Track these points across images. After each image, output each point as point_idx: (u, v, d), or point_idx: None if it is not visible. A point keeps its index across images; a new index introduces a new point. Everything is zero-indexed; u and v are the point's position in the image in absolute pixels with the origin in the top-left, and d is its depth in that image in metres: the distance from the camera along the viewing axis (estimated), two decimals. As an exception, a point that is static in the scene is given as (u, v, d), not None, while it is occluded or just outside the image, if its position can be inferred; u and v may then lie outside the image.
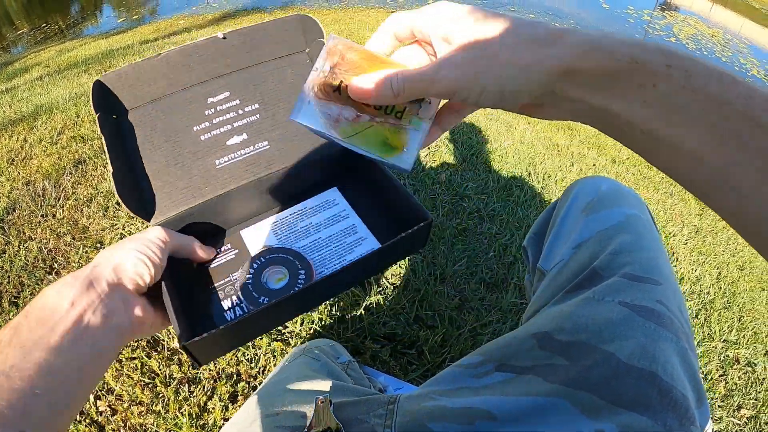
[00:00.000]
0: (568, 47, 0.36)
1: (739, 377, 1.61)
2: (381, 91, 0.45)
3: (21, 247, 1.62)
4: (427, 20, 0.44)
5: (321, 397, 0.66)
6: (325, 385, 0.77)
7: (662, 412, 0.52)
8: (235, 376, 1.26)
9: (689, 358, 0.57)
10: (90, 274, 0.53)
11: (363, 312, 1.42)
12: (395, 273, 1.58)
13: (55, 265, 1.55)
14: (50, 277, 1.51)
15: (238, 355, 1.29)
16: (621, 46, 0.34)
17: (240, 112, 0.80)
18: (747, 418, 1.50)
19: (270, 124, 0.80)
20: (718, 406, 1.50)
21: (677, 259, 2.11)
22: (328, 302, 1.44)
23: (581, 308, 0.61)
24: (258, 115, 0.81)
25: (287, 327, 1.37)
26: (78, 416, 1.18)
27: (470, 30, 0.40)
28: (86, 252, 1.57)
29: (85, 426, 1.16)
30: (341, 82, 0.48)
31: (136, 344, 1.31)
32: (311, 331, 1.36)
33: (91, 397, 1.21)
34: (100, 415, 1.19)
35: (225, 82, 0.81)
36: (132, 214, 0.66)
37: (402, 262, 1.61)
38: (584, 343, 0.57)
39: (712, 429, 1.47)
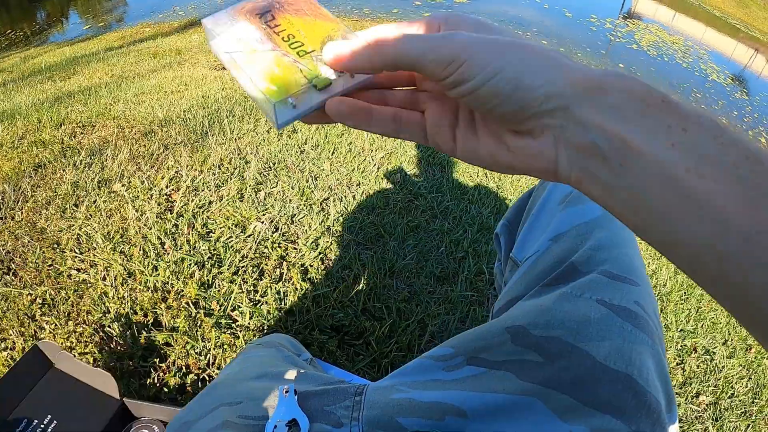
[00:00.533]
0: (600, 70, 0.32)
1: (697, 365, 1.67)
2: (359, 48, 0.37)
3: (-22, 249, 1.64)
4: (440, 14, 0.39)
5: (286, 386, 0.64)
6: (290, 374, 0.73)
7: (636, 417, 0.51)
8: (184, 368, 1.30)
9: (662, 362, 0.57)
10: None
11: (311, 304, 1.48)
12: (345, 267, 1.64)
13: (12, 265, 1.58)
14: (7, 277, 1.53)
15: (188, 348, 1.33)
16: (651, 85, 0.31)
17: None
18: (706, 404, 1.55)
19: None
20: (677, 393, 1.55)
21: (632, 253, 2.18)
22: (276, 296, 1.49)
23: (558, 303, 0.60)
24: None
25: (237, 321, 1.41)
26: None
27: (495, 27, 0.37)
28: (43, 252, 1.60)
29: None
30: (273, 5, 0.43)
31: (89, 339, 1.35)
32: (260, 324, 1.41)
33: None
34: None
35: None
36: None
37: (351, 256, 1.67)
38: (560, 339, 0.56)
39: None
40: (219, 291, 1.48)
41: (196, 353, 1.33)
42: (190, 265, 1.54)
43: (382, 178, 2.22)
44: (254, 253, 1.62)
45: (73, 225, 1.70)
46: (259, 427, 0.62)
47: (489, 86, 0.33)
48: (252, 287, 1.51)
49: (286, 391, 0.63)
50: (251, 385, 0.71)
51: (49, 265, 1.57)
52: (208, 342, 1.35)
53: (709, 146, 0.27)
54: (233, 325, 1.41)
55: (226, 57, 0.42)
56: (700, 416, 1.51)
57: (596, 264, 0.63)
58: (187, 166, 2.03)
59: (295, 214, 1.84)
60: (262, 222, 1.73)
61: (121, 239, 1.63)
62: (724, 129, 0.27)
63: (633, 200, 0.30)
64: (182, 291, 1.47)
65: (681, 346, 1.74)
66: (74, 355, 1.30)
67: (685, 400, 1.54)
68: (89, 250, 1.60)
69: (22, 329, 1.37)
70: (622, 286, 0.60)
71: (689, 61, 8.72)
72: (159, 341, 1.33)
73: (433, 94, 0.41)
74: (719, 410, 1.54)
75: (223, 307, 1.43)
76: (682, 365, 1.67)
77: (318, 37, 0.42)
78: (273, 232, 1.71)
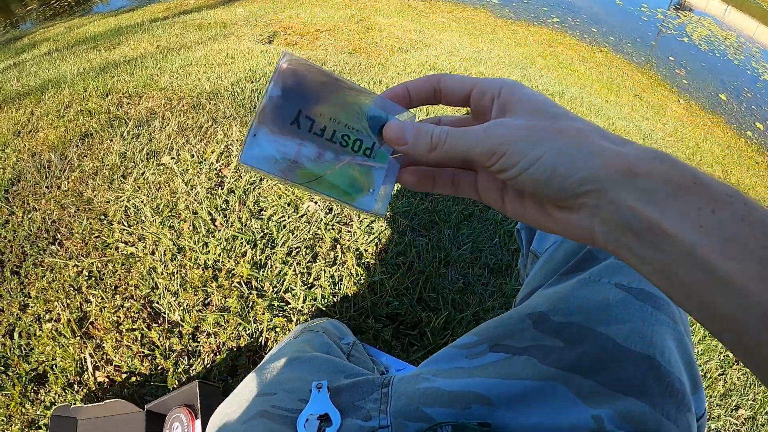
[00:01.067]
0: (634, 149, 0.34)
1: (738, 377, 1.60)
2: (417, 139, 0.40)
3: (25, 217, 1.61)
4: (496, 83, 0.41)
5: (319, 383, 0.66)
6: (323, 365, 0.76)
7: (660, 398, 0.51)
8: (235, 350, 1.25)
9: (685, 343, 0.56)
10: None
11: (366, 291, 1.41)
12: (400, 254, 1.57)
13: (58, 235, 1.54)
14: (53, 247, 1.50)
15: (239, 330, 1.28)
16: (684, 163, 0.32)
17: None
18: (744, 418, 1.49)
19: None
20: (717, 405, 1.50)
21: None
22: (330, 279, 1.43)
23: (577, 289, 0.61)
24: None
25: (289, 303, 1.36)
26: (76, 386, 1.18)
27: (539, 104, 0.38)
28: (90, 223, 1.56)
29: (83, 396, 1.16)
30: (299, 111, 0.41)
31: (136, 315, 1.30)
32: (314, 309, 1.35)
33: (90, 367, 1.21)
34: (99, 386, 1.18)
35: None
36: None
37: (407, 242, 1.60)
38: (580, 324, 0.57)
39: (709, 426, 1.46)
40: (272, 272, 1.42)
41: (248, 335, 1.27)
42: (242, 243, 1.48)
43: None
44: (308, 234, 1.56)
45: (121, 197, 1.66)
46: (292, 418, 0.64)
47: (527, 175, 0.35)
48: (305, 269, 1.45)
49: (319, 387, 0.66)
50: (286, 375, 0.73)
51: (96, 237, 1.52)
52: (260, 324, 1.29)
53: (735, 228, 0.29)
54: (286, 308, 1.35)
55: (304, 188, 0.42)
56: (738, 430, 1.46)
57: None
58: (237, 140, 1.97)
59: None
60: (315, 202, 1.67)
61: (170, 213, 1.58)
62: (753, 207, 0.29)
63: (664, 272, 0.32)
64: (234, 270, 1.41)
65: (723, 356, 1.66)
66: (122, 331, 1.26)
67: (725, 412, 1.49)
68: (137, 223, 1.56)
69: (68, 301, 1.33)
70: None
71: (740, 58, 8.44)
72: (210, 321, 1.28)
73: None
74: (757, 425, 1.49)
75: (275, 289, 1.38)
76: (723, 377, 1.60)
77: (353, 114, 0.43)
78: (326, 214, 1.64)
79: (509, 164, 0.36)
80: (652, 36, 8.32)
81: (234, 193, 1.68)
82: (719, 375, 1.59)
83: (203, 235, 1.50)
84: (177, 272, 1.39)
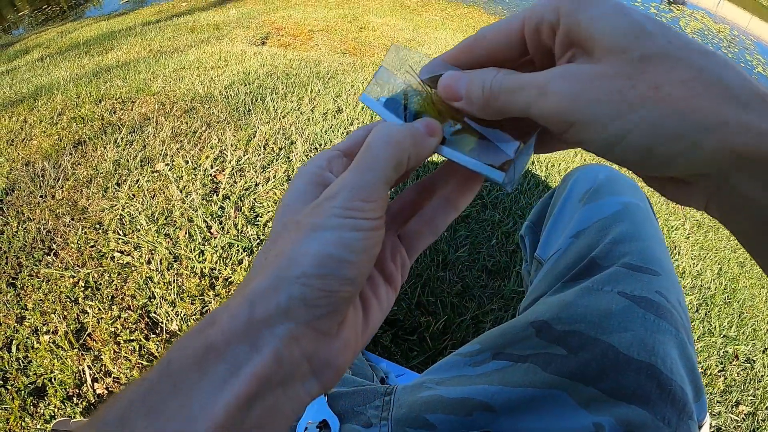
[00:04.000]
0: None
1: (737, 373, 1.61)
2: (469, 90, 0.32)
3: (20, 227, 1.60)
4: (550, 6, 0.29)
5: None
6: None
7: (661, 406, 0.51)
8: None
9: (688, 351, 0.56)
10: None
11: (364, 297, 1.41)
12: (397, 259, 1.56)
13: (54, 246, 1.53)
14: (48, 258, 1.49)
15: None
16: None
17: None
18: (745, 414, 1.49)
19: None
20: (717, 402, 1.50)
21: (679, 253, 2.09)
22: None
23: (580, 298, 0.60)
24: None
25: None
26: (75, 399, 1.17)
27: (622, 34, 0.26)
28: (85, 233, 1.55)
29: (82, 408, 1.15)
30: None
31: (134, 326, 1.29)
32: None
33: (89, 379, 1.20)
34: (99, 398, 1.17)
35: None
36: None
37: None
38: (583, 333, 0.56)
39: (710, 424, 1.47)
40: (268, 279, 1.41)
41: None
42: (238, 250, 1.48)
43: (429, 163, 2.13)
44: (304, 240, 1.55)
45: (116, 205, 1.65)
46: (292, 427, 0.62)
47: (613, 155, 0.27)
48: (303, 276, 1.44)
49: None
50: None
51: (92, 247, 1.52)
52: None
53: None
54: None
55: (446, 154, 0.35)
56: (738, 426, 1.46)
57: (616, 257, 0.63)
58: (231, 145, 1.96)
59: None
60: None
61: (165, 221, 1.57)
62: None
63: None
64: (231, 278, 1.40)
65: (723, 352, 1.67)
66: (120, 342, 1.25)
67: (725, 408, 1.49)
68: (133, 231, 1.55)
69: (65, 313, 1.33)
70: (643, 277, 0.60)
71: (735, 51, 8.46)
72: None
73: None
74: (757, 421, 1.49)
75: (273, 297, 1.37)
76: (723, 373, 1.60)
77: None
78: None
79: (585, 138, 0.27)
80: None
81: (229, 199, 1.67)
82: (719, 372, 1.59)
83: (199, 243, 1.49)
84: (174, 281, 1.38)
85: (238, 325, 0.26)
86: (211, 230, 1.55)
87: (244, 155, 1.91)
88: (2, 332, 1.30)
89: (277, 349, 0.26)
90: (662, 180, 0.31)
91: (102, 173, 1.81)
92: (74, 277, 1.41)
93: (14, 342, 1.27)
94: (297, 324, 0.27)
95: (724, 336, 1.73)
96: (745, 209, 0.26)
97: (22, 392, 1.18)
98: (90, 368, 1.22)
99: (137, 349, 1.24)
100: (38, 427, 1.13)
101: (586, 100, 0.26)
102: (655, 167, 0.27)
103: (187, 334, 0.27)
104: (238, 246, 1.48)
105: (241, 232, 1.55)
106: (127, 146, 1.96)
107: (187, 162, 1.85)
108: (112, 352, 1.24)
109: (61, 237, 1.56)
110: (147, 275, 1.41)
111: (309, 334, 0.27)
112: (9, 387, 1.19)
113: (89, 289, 1.39)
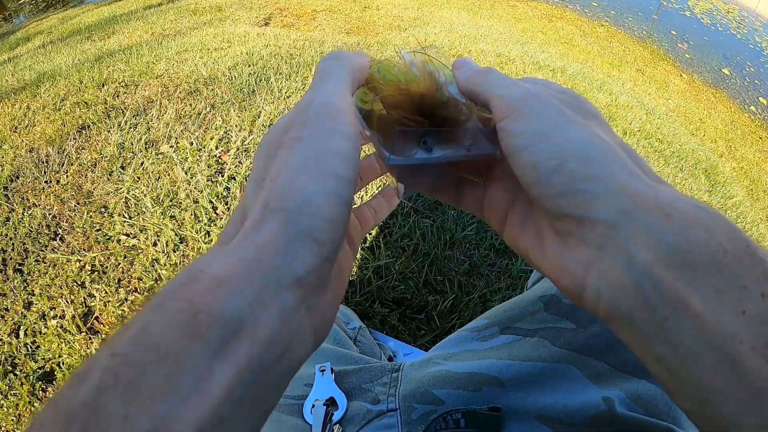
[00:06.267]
0: (672, 191, 0.25)
1: None
2: (465, 64, 0.35)
3: (25, 213, 1.60)
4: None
5: (322, 366, 0.65)
6: (328, 353, 0.75)
7: None
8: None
9: None
10: None
11: (372, 276, 1.40)
12: (405, 236, 1.55)
13: (59, 231, 1.53)
14: (54, 243, 1.48)
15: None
16: (734, 225, 0.24)
17: None
18: None
19: None
20: None
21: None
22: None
23: None
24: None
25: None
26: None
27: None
28: (90, 217, 1.55)
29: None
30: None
31: (141, 308, 1.29)
32: (319, 296, 1.34)
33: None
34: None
35: None
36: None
37: (411, 224, 1.58)
38: None
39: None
40: (275, 260, 1.41)
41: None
42: (243, 231, 1.47)
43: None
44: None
45: (121, 188, 1.64)
46: (299, 405, 0.63)
47: (531, 154, 0.27)
48: (309, 256, 1.43)
49: (323, 370, 0.65)
50: None
51: (97, 230, 1.51)
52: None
53: None
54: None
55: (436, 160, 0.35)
56: None
57: None
58: (236, 126, 1.94)
59: (348, 180, 1.75)
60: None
61: (171, 203, 1.57)
62: None
63: (672, 362, 0.23)
64: (237, 259, 1.39)
65: None
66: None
67: None
68: (138, 214, 1.54)
69: (72, 297, 1.32)
70: None
71: (743, 32, 8.35)
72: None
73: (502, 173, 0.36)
74: None
75: (279, 277, 1.36)
76: None
77: None
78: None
79: (519, 129, 0.28)
80: (654, 10, 8.23)
81: (235, 179, 1.66)
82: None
83: (205, 224, 1.48)
84: (180, 263, 1.38)
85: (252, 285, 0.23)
86: (217, 211, 1.54)
87: (249, 135, 1.89)
88: (10, 318, 1.30)
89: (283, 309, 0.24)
90: (550, 240, 0.30)
91: (106, 157, 1.80)
92: (80, 261, 1.41)
93: (22, 327, 1.27)
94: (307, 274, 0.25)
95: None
96: (630, 288, 0.24)
97: (31, 377, 1.18)
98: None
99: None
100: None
101: (539, 99, 0.29)
102: (561, 184, 0.26)
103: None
104: (243, 227, 1.47)
105: (247, 213, 1.53)
106: (131, 129, 1.94)
107: (191, 143, 1.83)
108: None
109: (66, 222, 1.56)
110: (153, 257, 1.40)
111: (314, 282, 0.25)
112: (18, 372, 1.19)
113: (96, 273, 1.38)
